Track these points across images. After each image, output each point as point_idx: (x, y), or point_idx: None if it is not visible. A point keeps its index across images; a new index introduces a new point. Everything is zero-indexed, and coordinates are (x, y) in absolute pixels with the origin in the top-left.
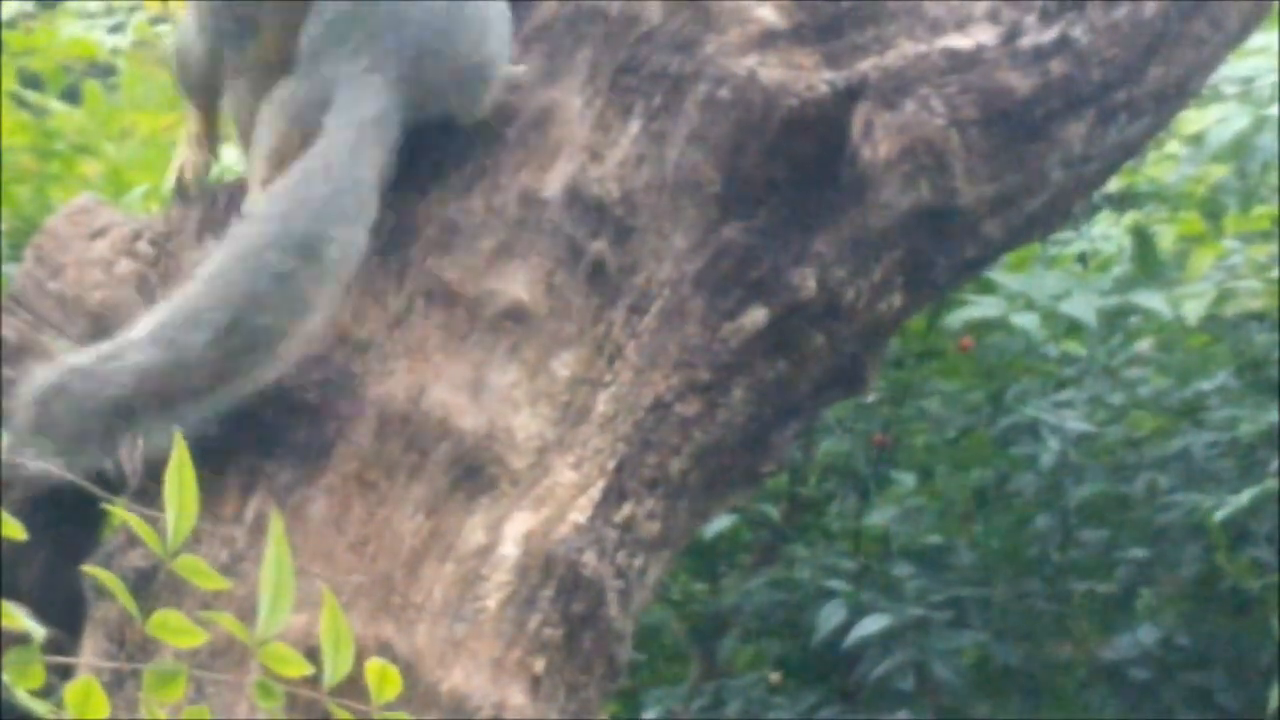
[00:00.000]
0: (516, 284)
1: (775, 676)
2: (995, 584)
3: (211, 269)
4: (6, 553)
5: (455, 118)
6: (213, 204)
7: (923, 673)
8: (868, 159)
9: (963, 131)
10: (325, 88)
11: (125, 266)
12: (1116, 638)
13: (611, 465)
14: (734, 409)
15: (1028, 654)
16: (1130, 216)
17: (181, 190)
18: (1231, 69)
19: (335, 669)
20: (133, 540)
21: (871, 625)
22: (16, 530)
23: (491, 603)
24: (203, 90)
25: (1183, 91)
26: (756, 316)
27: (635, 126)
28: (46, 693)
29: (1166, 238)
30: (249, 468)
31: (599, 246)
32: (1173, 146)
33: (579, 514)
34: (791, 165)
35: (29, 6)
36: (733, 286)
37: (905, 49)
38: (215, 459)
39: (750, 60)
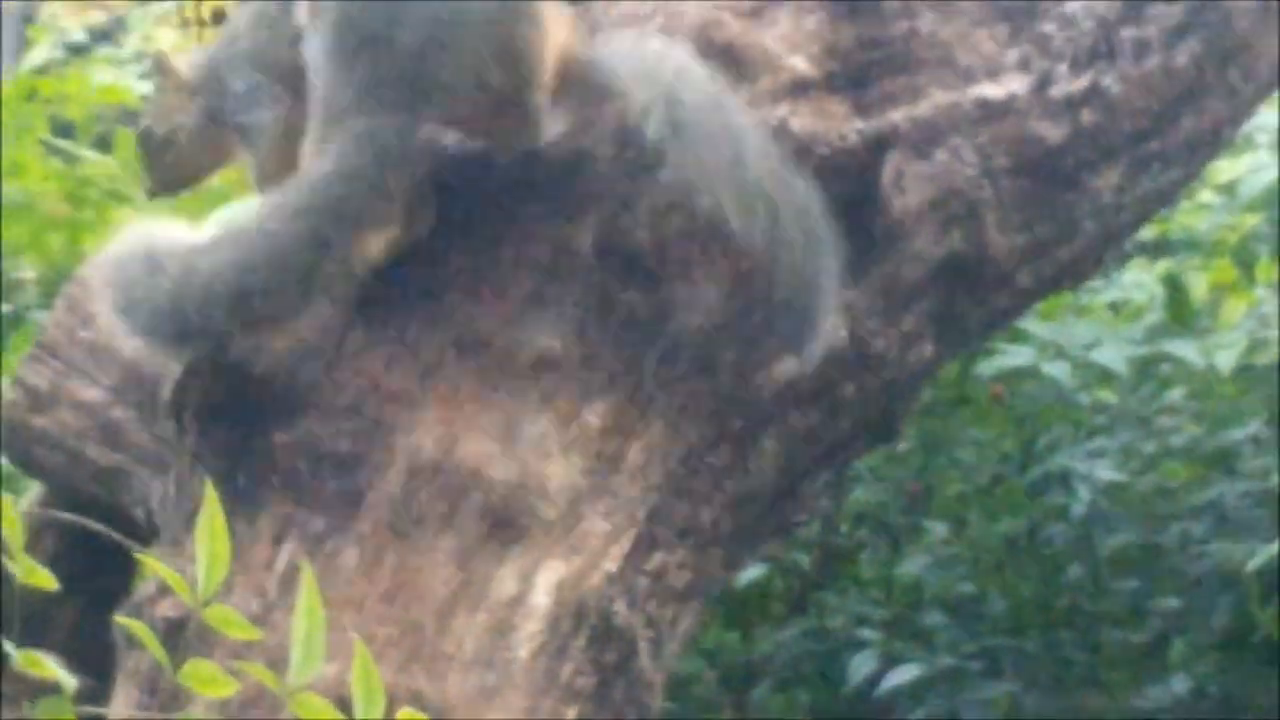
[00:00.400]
0: (548, 333)
1: None
2: (1027, 634)
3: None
4: (38, 601)
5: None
6: None
7: None
8: (899, 208)
9: (994, 181)
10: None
11: None
12: (1149, 688)
13: (643, 514)
14: (765, 458)
15: (1060, 704)
16: (1162, 265)
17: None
18: (1264, 118)
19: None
20: (164, 589)
21: (903, 675)
22: (48, 580)
23: (523, 652)
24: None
25: (1215, 141)
26: (788, 366)
27: (665, 176)
28: None
29: (1199, 286)
30: (281, 516)
31: (631, 296)
32: (1205, 195)
33: (610, 563)
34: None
35: (60, 54)
36: (764, 336)
37: (936, 98)
38: (247, 507)
39: (781, 109)
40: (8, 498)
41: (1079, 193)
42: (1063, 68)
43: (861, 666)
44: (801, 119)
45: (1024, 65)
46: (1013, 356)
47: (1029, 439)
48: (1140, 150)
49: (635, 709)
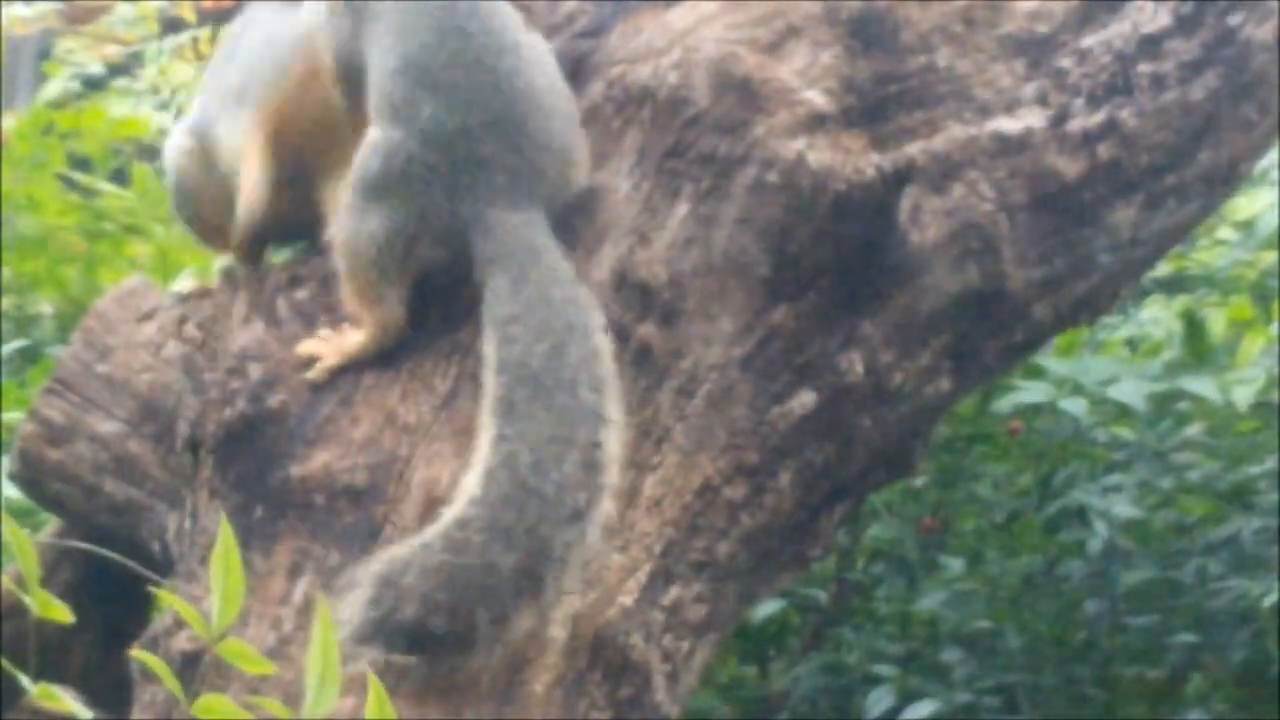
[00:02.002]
0: None
1: None
2: (1044, 669)
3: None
4: (54, 634)
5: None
6: (260, 287)
7: None
8: (916, 243)
9: (1011, 215)
10: None
11: (173, 349)
12: None
13: (659, 548)
14: (782, 492)
15: None
16: (1180, 301)
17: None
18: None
19: None
20: (180, 623)
21: (920, 711)
22: (64, 613)
23: (539, 685)
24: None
25: (1231, 176)
26: (804, 400)
27: (683, 210)
28: None
29: (1216, 323)
30: (297, 550)
31: (646, 329)
32: (1223, 232)
33: (626, 597)
34: (839, 249)
35: (76, 87)
36: (780, 370)
37: (953, 132)
38: (263, 541)
39: (798, 144)
40: (24, 531)
41: (1096, 227)
42: (1080, 102)
43: (878, 702)
44: (819, 153)
45: (1041, 100)
46: (1030, 392)
47: (1046, 475)
48: (1157, 185)
49: None
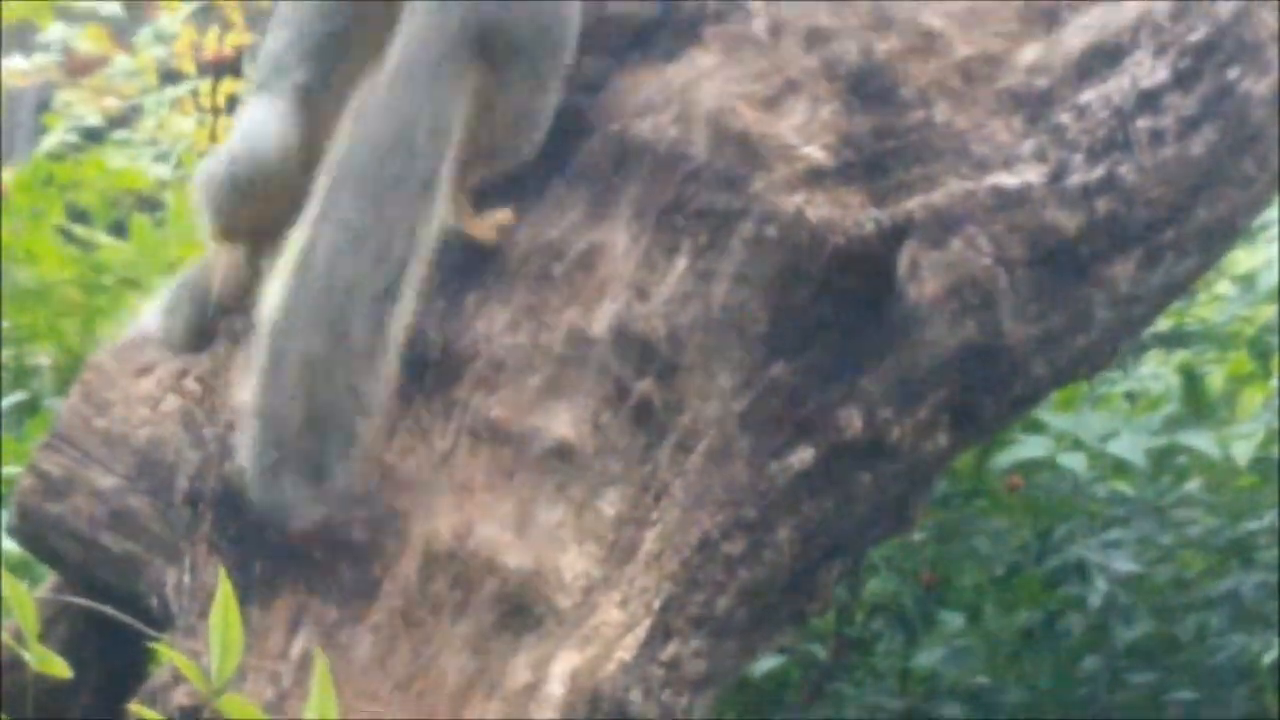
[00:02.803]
0: (563, 422)
1: None
2: None
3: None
4: (53, 689)
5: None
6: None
7: None
8: (914, 297)
9: (1010, 270)
10: None
11: (172, 403)
12: None
13: (658, 604)
14: (780, 548)
15: None
16: (1179, 356)
17: (220, 310)
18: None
19: None
20: (178, 677)
21: None
22: (62, 668)
23: None
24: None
25: (1229, 231)
26: (803, 455)
27: (682, 264)
28: None
29: (1215, 378)
30: (296, 604)
31: (645, 385)
32: (1222, 286)
33: (625, 652)
34: (838, 303)
35: (75, 139)
36: (779, 425)
37: (952, 187)
38: (262, 595)
39: (797, 198)
40: (23, 585)
41: (1095, 282)
42: (1079, 157)
43: None
44: (817, 208)
45: (1040, 155)
46: (1029, 447)
47: (1045, 530)
48: (1156, 240)
49: None
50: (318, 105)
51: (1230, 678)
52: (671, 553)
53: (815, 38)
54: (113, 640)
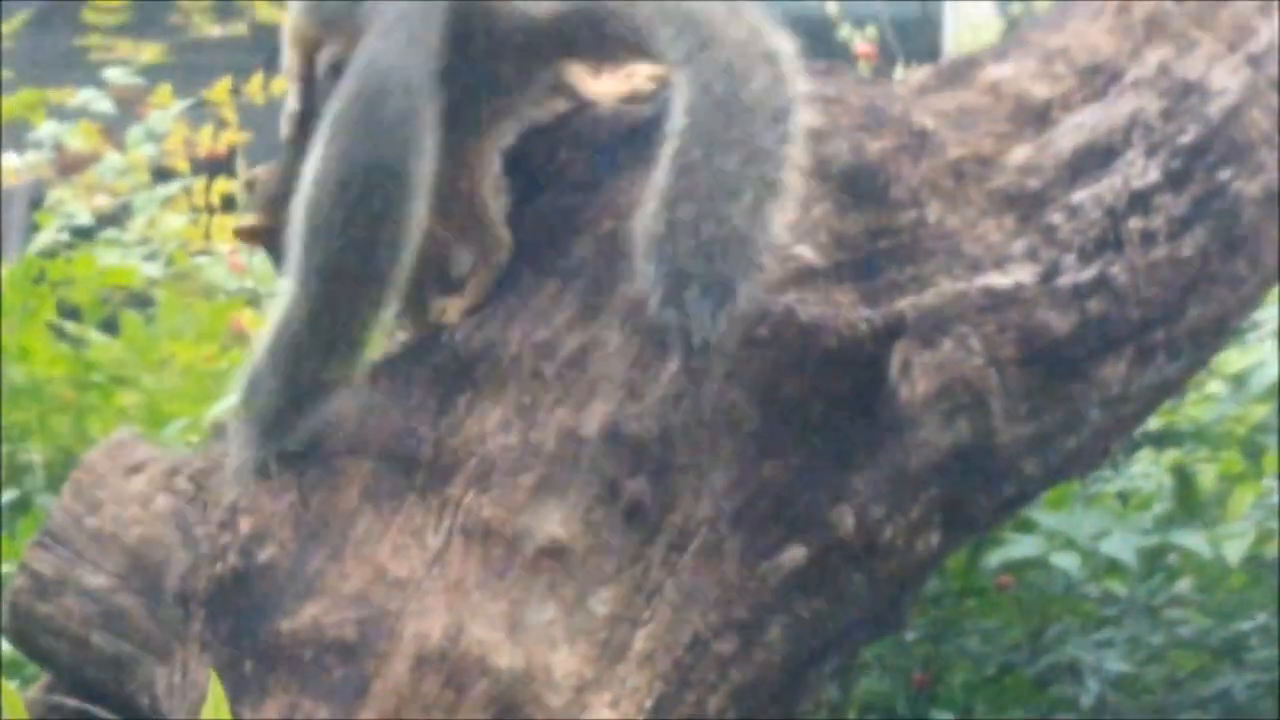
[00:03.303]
0: (555, 521)
1: None
2: None
3: None
4: None
5: None
6: None
7: None
8: (906, 397)
9: (1001, 370)
10: None
11: (163, 503)
12: None
13: (649, 704)
14: (771, 647)
15: None
16: (1170, 455)
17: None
18: (1272, 309)
19: None
20: None
21: None
22: None
23: None
24: None
25: (1221, 331)
26: (795, 555)
27: (673, 364)
28: None
29: (1207, 477)
30: (287, 704)
31: (637, 484)
32: (1213, 386)
33: None
34: (829, 403)
35: (66, 237)
36: (771, 524)
37: (943, 287)
38: (253, 695)
39: (788, 298)
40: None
41: (1086, 382)
42: (1070, 258)
43: None
44: (809, 308)
45: (1031, 255)
46: (1021, 546)
47: (1037, 629)
48: (1147, 340)
49: None
50: None
51: None
52: (663, 652)
53: (807, 137)
54: None
